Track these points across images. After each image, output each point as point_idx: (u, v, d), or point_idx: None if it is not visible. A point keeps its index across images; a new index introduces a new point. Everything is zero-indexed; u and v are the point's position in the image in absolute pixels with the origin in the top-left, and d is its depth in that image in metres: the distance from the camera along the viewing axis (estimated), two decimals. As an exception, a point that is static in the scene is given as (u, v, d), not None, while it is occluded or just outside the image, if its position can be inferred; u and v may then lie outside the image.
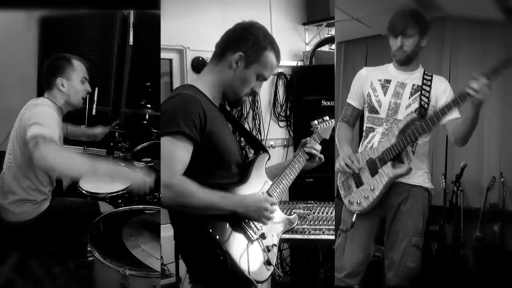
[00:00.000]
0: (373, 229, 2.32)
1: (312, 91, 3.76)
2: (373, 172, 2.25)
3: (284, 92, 3.96)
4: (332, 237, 2.52)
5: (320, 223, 2.60)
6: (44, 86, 2.59)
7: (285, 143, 4.02)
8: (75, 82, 2.60)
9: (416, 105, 2.25)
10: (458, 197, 3.50)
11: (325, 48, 4.11)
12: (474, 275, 3.26)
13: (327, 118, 2.21)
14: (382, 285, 2.38)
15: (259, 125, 3.85)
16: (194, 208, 1.58)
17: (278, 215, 1.91)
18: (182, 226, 1.71)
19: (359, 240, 2.29)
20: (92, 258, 2.26)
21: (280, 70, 3.94)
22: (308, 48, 4.10)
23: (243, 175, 1.82)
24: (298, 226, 2.57)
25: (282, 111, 3.96)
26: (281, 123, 4.00)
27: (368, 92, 2.36)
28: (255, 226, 1.76)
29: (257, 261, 1.71)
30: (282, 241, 3.12)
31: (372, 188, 2.24)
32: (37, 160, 2.10)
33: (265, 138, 3.87)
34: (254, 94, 1.83)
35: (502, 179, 3.55)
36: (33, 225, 2.55)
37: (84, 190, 3.00)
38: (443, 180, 3.67)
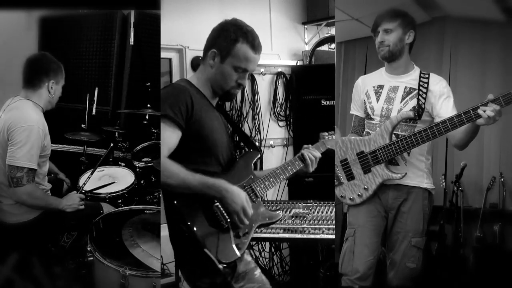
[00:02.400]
0: (380, 231, 2.31)
1: (311, 91, 3.76)
2: (366, 169, 2.25)
3: (283, 92, 3.96)
4: (332, 236, 2.52)
5: (320, 222, 2.60)
6: (27, 83, 2.61)
7: (285, 142, 4.02)
8: (60, 87, 2.70)
9: (407, 108, 2.23)
10: (458, 197, 3.50)
11: (325, 47, 4.11)
12: (474, 275, 3.26)
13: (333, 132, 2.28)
14: (383, 285, 2.38)
15: (259, 124, 3.85)
16: (175, 188, 1.70)
17: (259, 206, 1.95)
18: (168, 208, 1.83)
19: (368, 242, 2.27)
20: (92, 258, 2.27)
21: (279, 69, 3.94)
22: (308, 48, 4.10)
23: (229, 166, 1.92)
24: (298, 226, 2.57)
25: (282, 110, 3.96)
26: (281, 123, 4.00)
27: (364, 100, 2.38)
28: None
29: (226, 243, 1.76)
30: (281, 240, 3.15)
31: (365, 187, 2.26)
32: (15, 193, 2.40)
33: (264, 137, 3.87)
34: (240, 86, 1.88)
35: (502, 179, 3.55)
36: (35, 225, 2.55)
37: (84, 190, 3.00)
38: (443, 180, 3.67)
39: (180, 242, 1.81)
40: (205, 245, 1.69)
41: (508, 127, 3.56)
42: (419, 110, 2.20)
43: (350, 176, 2.30)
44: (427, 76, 2.26)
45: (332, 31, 4.11)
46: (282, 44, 4.04)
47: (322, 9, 3.95)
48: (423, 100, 2.21)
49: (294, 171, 2.06)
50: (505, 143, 3.59)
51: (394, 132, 2.23)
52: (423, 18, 3.68)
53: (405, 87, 2.27)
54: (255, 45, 1.84)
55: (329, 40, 4.07)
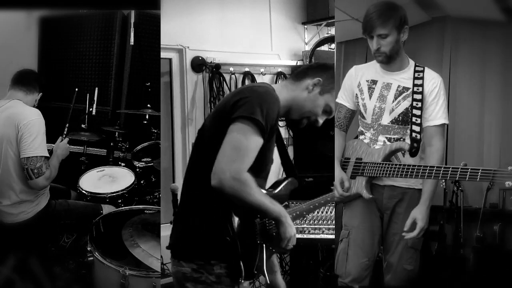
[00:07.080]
0: (375, 232, 2.27)
1: (312, 91, 3.75)
2: (354, 174, 2.25)
3: (284, 92, 3.96)
4: (332, 236, 2.52)
5: (320, 222, 2.60)
6: (24, 86, 2.74)
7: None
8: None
9: (400, 109, 2.19)
10: (458, 197, 3.49)
11: (325, 47, 4.11)
12: (474, 275, 3.26)
13: None
14: (381, 287, 2.36)
15: (259, 125, 3.84)
16: (249, 204, 1.60)
17: None
18: (199, 217, 1.72)
19: (362, 244, 2.24)
20: (92, 258, 2.27)
21: (279, 69, 3.94)
22: (308, 48, 4.10)
23: (271, 188, 1.91)
24: (298, 226, 2.57)
25: (282, 111, 3.96)
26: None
27: (356, 94, 2.32)
28: (267, 230, 1.82)
29: (251, 261, 1.76)
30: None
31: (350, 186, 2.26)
32: (38, 183, 2.49)
33: (265, 138, 3.87)
34: (314, 123, 1.90)
35: (502, 179, 3.55)
36: (32, 224, 2.55)
37: (84, 190, 3.00)
38: (443, 180, 3.66)
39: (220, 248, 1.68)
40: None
41: (507, 127, 3.57)
42: (411, 117, 2.17)
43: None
44: (421, 74, 2.18)
45: (332, 31, 4.11)
46: (282, 44, 4.04)
47: (322, 9, 3.95)
48: (419, 104, 2.15)
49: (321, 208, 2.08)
50: (505, 144, 3.59)
51: (387, 135, 2.23)
52: (423, 18, 3.68)
53: (398, 86, 2.21)
54: None
55: (329, 40, 4.07)
